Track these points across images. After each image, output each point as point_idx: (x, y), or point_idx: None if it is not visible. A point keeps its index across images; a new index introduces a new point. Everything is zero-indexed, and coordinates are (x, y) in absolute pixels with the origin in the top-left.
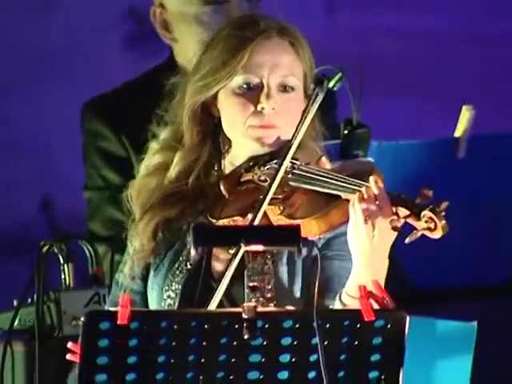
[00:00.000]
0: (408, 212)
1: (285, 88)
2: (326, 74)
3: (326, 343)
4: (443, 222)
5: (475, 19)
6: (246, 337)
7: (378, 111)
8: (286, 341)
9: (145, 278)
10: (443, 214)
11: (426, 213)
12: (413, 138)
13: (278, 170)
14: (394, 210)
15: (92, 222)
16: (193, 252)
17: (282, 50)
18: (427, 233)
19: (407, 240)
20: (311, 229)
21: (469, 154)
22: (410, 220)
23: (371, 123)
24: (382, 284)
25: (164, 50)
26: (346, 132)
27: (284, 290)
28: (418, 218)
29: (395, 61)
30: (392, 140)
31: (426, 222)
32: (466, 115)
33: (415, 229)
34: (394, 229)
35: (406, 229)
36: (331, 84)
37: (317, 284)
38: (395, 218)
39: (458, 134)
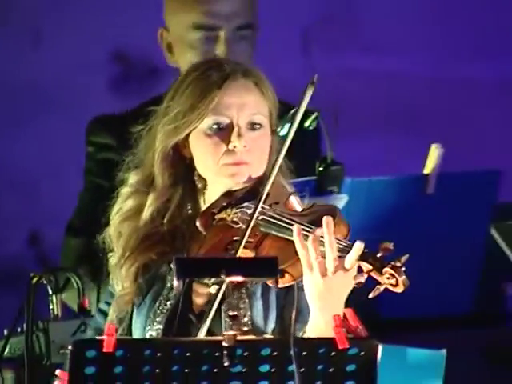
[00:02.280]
0: (371, 267)
1: (253, 126)
2: (299, 114)
3: (302, 370)
4: (403, 277)
5: (446, 63)
6: (225, 364)
7: (351, 150)
8: (264, 368)
9: (130, 318)
10: (403, 269)
11: (387, 269)
12: (384, 174)
13: (249, 216)
14: (358, 262)
15: (75, 217)
16: (175, 283)
17: (247, 91)
18: (390, 287)
19: (371, 295)
20: (282, 279)
21: (437, 190)
22: (372, 274)
23: (345, 161)
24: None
25: (148, 90)
26: (320, 169)
27: (259, 321)
28: (381, 273)
29: (368, 102)
30: (365, 177)
31: (388, 278)
32: (434, 153)
33: (378, 283)
34: (358, 284)
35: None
36: (307, 123)
37: (293, 314)
38: (355, 272)
39: (427, 171)
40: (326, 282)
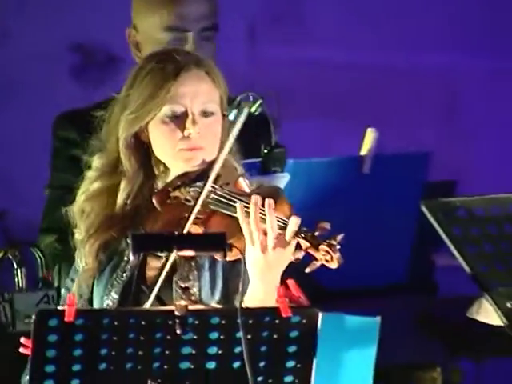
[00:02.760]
0: (308, 244)
1: (206, 113)
2: (248, 100)
3: (248, 337)
4: (337, 254)
5: (381, 52)
6: (178, 332)
7: (294, 134)
8: (214, 335)
9: (91, 290)
10: (338, 247)
11: (323, 247)
12: (324, 156)
13: (199, 194)
14: (295, 238)
15: (46, 218)
16: (131, 257)
17: (200, 80)
18: (325, 263)
19: (307, 270)
20: (229, 252)
21: (372, 170)
22: (310, 250)
23: (288, 144)
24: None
25: (108, 77)
26: (265, 151)
27: (207, 292)
28: (317, 250)
29: (309, 90)
30: (305, 158)
31: (324, 254)
32: (369, 136)
33: (315, 259)
34: (296, 260)
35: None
36: (253, 109)
37: (241, 285)
38: (291, 247)
39: (363, 152)
40: (266, 257)
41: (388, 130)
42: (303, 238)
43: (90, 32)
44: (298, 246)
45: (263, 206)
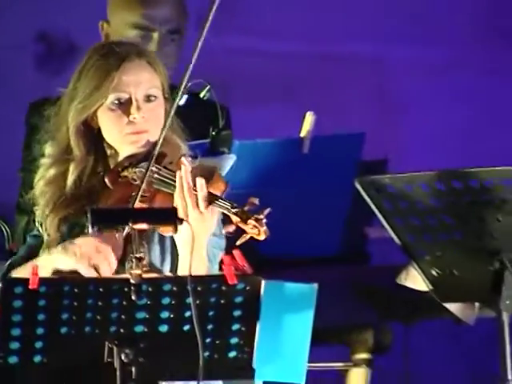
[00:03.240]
0: (238, 219)
1: (149, 98)
2: (197, 86)
3: (197, 302)
4: (264, 228)
5: (319, 42)
6: (133, 298)
7: (241, 117)
8: (166, 301)
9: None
10: (264, 221)
11: (251, 221)
12: (268, 137)
13: (144, 174)
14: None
15: (20, 198)
16: (90, 230)
17: (142, 69)
18: (254, 236)
19: (238, 242)
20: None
21: (311, 150)
22: (239, 225)
23: (236, 126)
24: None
25: (69, 66)
26: (213, 133)
27: (157, 263)
28: (246, 224)
29: (255, 78)
30: (251, 139)
31: (252, 228)
32: (308, 119)
33: (244, 232)
34: (229, 233)
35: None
36: (201, 94)
37: (191, 256)
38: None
39: (302, 134)
40: (190, 228)
41: (325, 113)
42: (234, 213)
43: (53, 22)
44: (230, 221)
45: (195, 185)
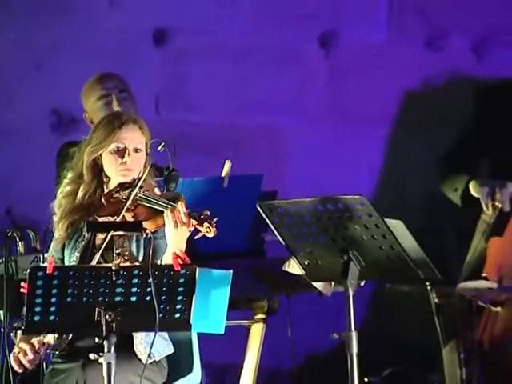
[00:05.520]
0: (196, 222)
1: (136, 150)
2: (156, 143)
3: (156, 282)
4: (214, 228)
5: (235, 114)
6: (113, 279)
7: (183, 164)
8: (135, 281)
9: (62, 252)
10: (214, 224)
11: (206, 224)
12: (201, 176)
13: (130, 194)
14: (190, 220)
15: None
16: (86, 234)
17: (134, 131)
18: (206, 234)
19: (196, 237)
20: (147, 227)
21: (229, 185)
22: (197, 227)
23: (181, 169)
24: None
25: (73, 131)
26: (166, 173)
27: (133, 256)
28: (202, 226)
29: (193, 139)
30: (190, 178)
31: (206, 229)
32: (227, 165)
33: (199, 231)
34: (189, 231)
35: None
36: (159, 148)
37: (151, 251)
38: (190, 225)
39: (223, 174)
40: (178, 233)
41: (237, 161)
42: (194, 218)
43: (62, 102)
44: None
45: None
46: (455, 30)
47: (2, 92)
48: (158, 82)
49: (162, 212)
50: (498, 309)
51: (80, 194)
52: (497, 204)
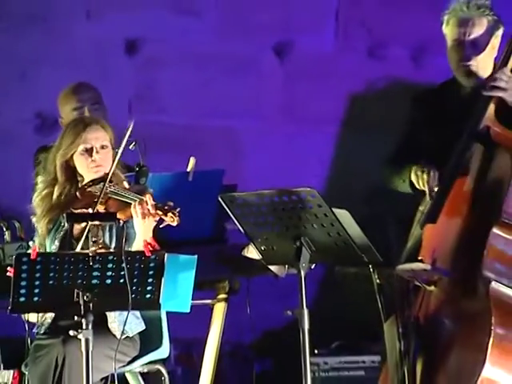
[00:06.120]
0: (161, 213)
1: (103, 147)
2: (129, 142)
3: (128, 266)
4: (177, 218)
5: (202, 117)
6: (91, 264)
7: (153, 160)
8: (110, 265)
9: (44, 243)
10: (177, 213)
11: (170, 214)
12: (169, 172)
13: (102, 189)
14: (155, 211)
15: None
16: (66, 225)
17: (98, 130)
18: (170, 223)
19: (161, 226)
20: (121, 216)
21: (194, 179)
22: (162, 216)
23: (150, 165)
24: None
25: (54, 133)
26: (137, 169)
27: (107, 244)
28: (166, 216)
29: (163, 139)
30: (158, 173)
31: (170, 218)
32: (192, 161)
33: (164, 221)
34: (155, 221)
35: None
36: (130, 147)
37: (124, 240)
38: (156, 215)
39: (188, 169)
40: (145, 223)
41: (201, 158)
42: (158, 208)
43: (45, 106)
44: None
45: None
46: (394, 40)
47: None
48: (130, 88)
49: (129, 204)
50: (432, 288)
51: (56, 194)
52: (428, 187)
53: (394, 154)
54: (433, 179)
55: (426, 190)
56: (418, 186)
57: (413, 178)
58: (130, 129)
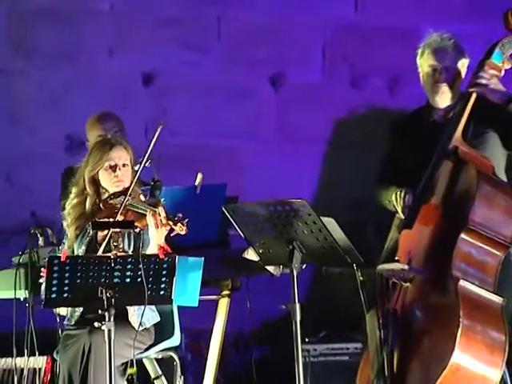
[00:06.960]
0: (172, 223)
1: (124, 165)
2: (146, 161)
3: (144, 267)
4: (185, 227)
5: (204, 137)
6: (112, 265)
7: (166, 176)
8: (129, 266)
9: (72, 246)
10: (186, 224)
11: (179, 224)
12: (180, 186)
13: (122, 202)
14: (167, 221)
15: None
16: (91, 232)
17: (121, 151)
18: (180, 232)
19: (172, 234)
20: (139, 225)
21: (201, 192)
22: (172, 226)
23: (163, 179)
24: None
25: (81, 152)
26: (152, 183)
27: (126, 248)
28: (176, 226)
29: (172, 157)
30: (170, 186)
31: (179, 228)
32: (199, 177)
33: (174, 230)
34: (167, 230)
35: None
36: (147, 164)
37: (141, 244)
38: (167, 225)
39: (196, 183)
40: (158, 231)
41: (208, 174)
42: (169, 219)
43: (74, 129)
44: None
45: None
46: (373, 73)
47: (27, 124)
48: (147, 114)
49: (146, 215)
50: (408, 284)
51: (88, 204)
52: (401, 207)
53: (380, 176)
54: (408, 201)
55: (400, 209)
56: (395, 206)
57: (392, 198)
58: (149, 151)
